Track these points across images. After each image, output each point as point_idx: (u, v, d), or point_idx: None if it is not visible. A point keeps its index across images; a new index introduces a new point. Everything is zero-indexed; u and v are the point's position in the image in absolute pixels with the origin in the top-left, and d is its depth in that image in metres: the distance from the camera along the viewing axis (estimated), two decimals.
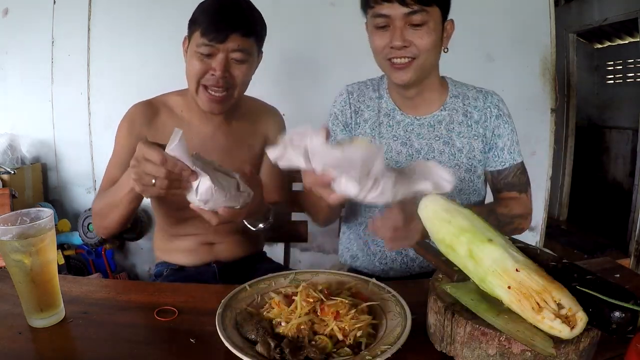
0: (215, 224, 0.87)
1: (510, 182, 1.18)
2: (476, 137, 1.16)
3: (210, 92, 1.07)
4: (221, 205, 0.83)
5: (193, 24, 1.06)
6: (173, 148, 0.76)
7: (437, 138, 1.17)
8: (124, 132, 1.13)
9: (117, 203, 0.98)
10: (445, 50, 1.11)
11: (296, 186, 1.55)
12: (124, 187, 0.94)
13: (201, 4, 1.06)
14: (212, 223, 0.87)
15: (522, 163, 1.19)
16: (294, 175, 1.42)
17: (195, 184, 0.79)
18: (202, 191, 0.80)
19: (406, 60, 1.05)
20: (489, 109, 1.16)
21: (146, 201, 1.27)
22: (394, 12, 1.01)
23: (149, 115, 1.14)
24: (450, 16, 1.09)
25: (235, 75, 1.06)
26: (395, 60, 1.06)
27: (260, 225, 1.04)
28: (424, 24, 1.02)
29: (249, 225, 1.05)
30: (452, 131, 1.16)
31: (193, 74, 1.06)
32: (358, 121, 1.22)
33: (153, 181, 0.79)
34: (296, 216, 1.54)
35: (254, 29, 1.06)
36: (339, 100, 1.25)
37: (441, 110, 1.17)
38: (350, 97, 1.24)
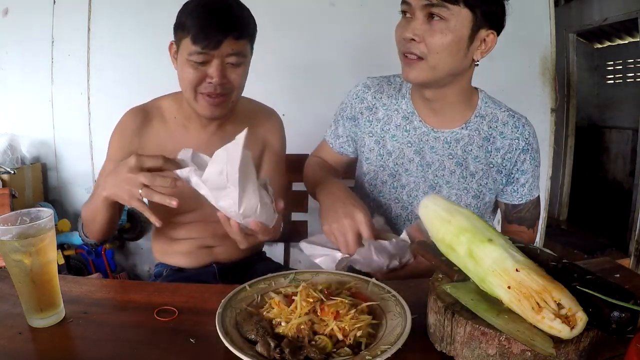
0: (244, 247, 0.90)
1: (522, 217, 1.14)
2: (492, 166, 1.09)
3: (209, 97, 1.02)
4: (255, 220, 0.84)
5: (180, 28, 0.98)
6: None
7: (450, 157, 1.10)
8: (115, 144, 1.11)
9: (97, 209, 0.99)
10: (477, 64, 1.04)
11: (296, 186, 1.55)
12: (100, 196, 0.93)
13: (186, 5, 0.98)
14: (242, 246, 0.89)
15: (538, 197, 1.14)
16: (293, 176, 1.42)
17: (234, 196, 0.79)
18: (247, 207, 0.81)
19: (414, 57, 0.98)
20: (516, 141, 1.08)
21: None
22: (415, 0, 0.95)
23: (139, 123, 1.11)
24: None
25: (232, 80, 1.01)
26: (407, 55, 0.99)
27: None
28: (442, 21, 0.94)
29: None
30: (469, 153, 1.09)
31: (188, 83, 1.00)
32: (370, 119, 1.16)
33: (140, 191, 0.82)
34: (296, 216, 1.54)
35: (247, 30, 1.00)
36: (353, 91, 1.19)
37: (462, 128, 1.09)
38: (366, 91, 1.17)
